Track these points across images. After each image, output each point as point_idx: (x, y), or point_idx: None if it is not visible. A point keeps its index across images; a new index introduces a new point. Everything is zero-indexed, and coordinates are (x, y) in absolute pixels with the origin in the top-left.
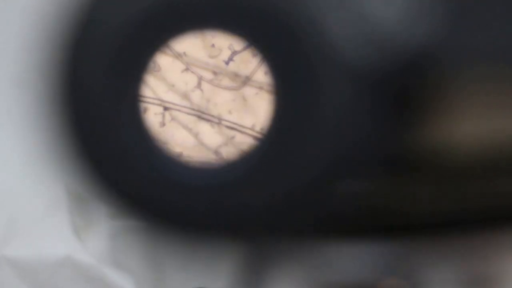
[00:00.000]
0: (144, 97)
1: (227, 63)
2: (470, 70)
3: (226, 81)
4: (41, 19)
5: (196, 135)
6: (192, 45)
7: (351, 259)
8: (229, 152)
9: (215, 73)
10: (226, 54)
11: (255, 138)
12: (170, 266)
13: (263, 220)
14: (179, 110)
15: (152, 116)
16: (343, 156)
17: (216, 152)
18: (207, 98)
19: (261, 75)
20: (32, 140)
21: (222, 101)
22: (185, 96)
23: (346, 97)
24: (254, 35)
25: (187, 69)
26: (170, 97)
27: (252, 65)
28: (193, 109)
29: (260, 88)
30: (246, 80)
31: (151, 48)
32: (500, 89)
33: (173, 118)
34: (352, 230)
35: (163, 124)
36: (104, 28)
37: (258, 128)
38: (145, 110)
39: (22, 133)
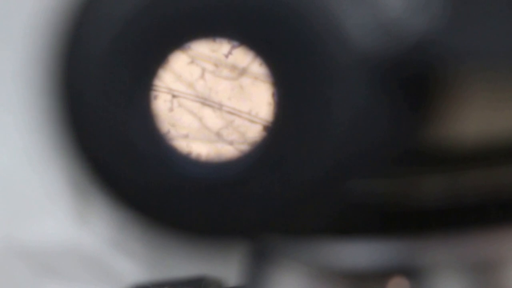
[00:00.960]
0: (155, 86)
1: (226, 56)
2: (475, 63)
3: (225, 72)
4: (43, 14)
5: (200, 119)
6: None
7: (357, 255)
8: (230, 134)
9: (216, 65)
10: (226, 49)
11: (251, 121)
12: (175, 253)
13: (269, 216)
14: (185, 98)
15: (162, 103)
16: (353, 151)
17: (218, 134)
18: (210, 87)
19: (256, 66)
20: (37, 133)
21: (222, 90)
22: (191, 85)
23: (355, 89)
24: (259, 38)
25: (192, 62)
26: (178, 86)
27: (248, 58)
28: (197, 97)
29: (255, 78)
30: (243, 71)
31: (158, 56)
32: (504, 80)
33: (180, 104)
34: (358, 226)
35: (171, 109)
36: (110, 25)
37: (253, 112)
38: (156, 97)
39: (26, 123)
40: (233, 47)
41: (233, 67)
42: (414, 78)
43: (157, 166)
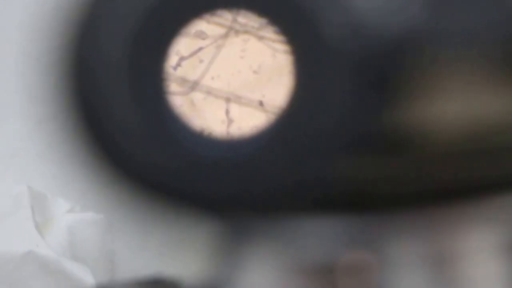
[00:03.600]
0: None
1: (174, 68)
2: (448, 53)
3: (174, 87)
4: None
5: None
6: None
7: (319, 234)
8: None
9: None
10: (173, 60)
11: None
12: (123, 256)
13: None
14: None
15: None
16: (328, 135)
17: None
18: None
19: (209, 79)
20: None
21: None
22: None
23: (331, 79)
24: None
25: None
26: None
27: (199, 70)
28: None
29: (208, 92)
30: (194, 85)
31: (170, 30)
32: (475, 71)
33: None
34: (322, 205)
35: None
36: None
37: (207, 132)
38: None
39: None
40: (181, 59)
41: (183, 81)
42: (389, 70)
43: (167, 143)
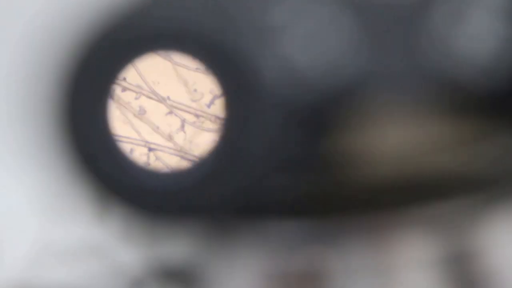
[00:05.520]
0: (129, 138)
1: (208, 106)
2: (379, 100)
3: (207, 123)
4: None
5: None
6: (175, 90)
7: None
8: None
9: (197, 115)
10: (207, 98)
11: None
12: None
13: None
14: (163, 151)
15: (138, 157)
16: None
17: None
18: (190, 139)
19: None
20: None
21: (203, 142)
22: (169, 137)
23: (274, 120)
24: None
25: (171, 112)
26: (155, 138)
27: None
28: (176, 150)
29: None
30: None
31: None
32: (404, 112)
33: (157, 158)
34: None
35: (148, 164)
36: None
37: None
38: (131, 151)
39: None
40: (215, 97)
41: (216, 118)
42: (325, 113)
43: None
